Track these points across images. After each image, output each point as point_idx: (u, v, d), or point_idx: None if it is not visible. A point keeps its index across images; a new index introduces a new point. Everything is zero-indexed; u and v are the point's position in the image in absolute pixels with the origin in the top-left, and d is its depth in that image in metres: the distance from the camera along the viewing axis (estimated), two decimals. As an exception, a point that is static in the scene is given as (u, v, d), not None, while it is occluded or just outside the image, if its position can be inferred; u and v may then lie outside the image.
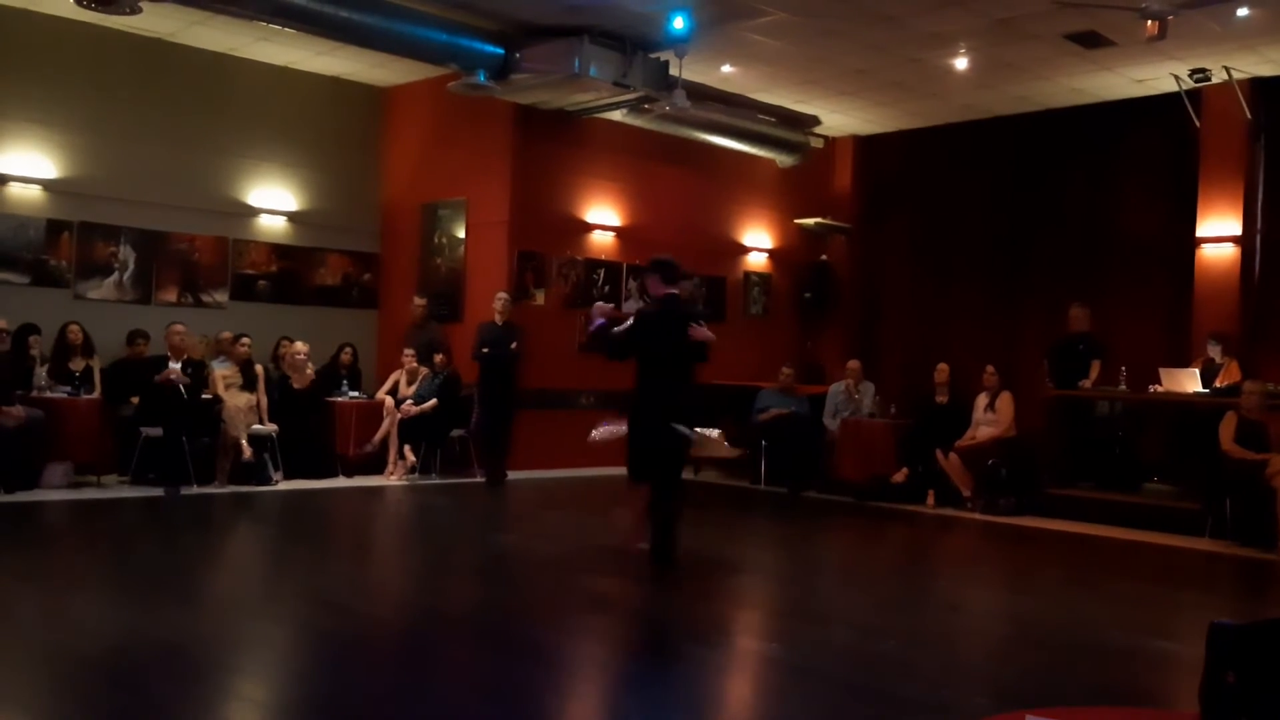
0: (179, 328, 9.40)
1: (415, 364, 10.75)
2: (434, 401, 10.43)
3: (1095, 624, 5.74)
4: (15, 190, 9.88)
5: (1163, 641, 5.48)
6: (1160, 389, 9.39)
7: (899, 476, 10.20)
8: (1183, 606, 6.53)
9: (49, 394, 9.00)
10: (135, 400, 9.28)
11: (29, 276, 9.88)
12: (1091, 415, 10.14)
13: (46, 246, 9.99)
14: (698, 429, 6.65)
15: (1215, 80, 10.27)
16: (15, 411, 8.45)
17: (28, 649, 4.60)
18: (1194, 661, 3.53)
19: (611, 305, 6.57)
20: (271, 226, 11.45)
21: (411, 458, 10.37)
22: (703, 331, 6.56)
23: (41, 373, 9.08)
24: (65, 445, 8.91)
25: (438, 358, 10.64)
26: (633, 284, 12.07)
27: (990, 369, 10.11)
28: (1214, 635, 3.18)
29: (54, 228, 10.03)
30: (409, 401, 10.50)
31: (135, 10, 8.27)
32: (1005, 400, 9.98)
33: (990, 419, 9.96)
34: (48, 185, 10.03)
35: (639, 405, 6.58)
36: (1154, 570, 7.63)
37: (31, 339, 9.18)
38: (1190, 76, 10.31)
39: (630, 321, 6.72)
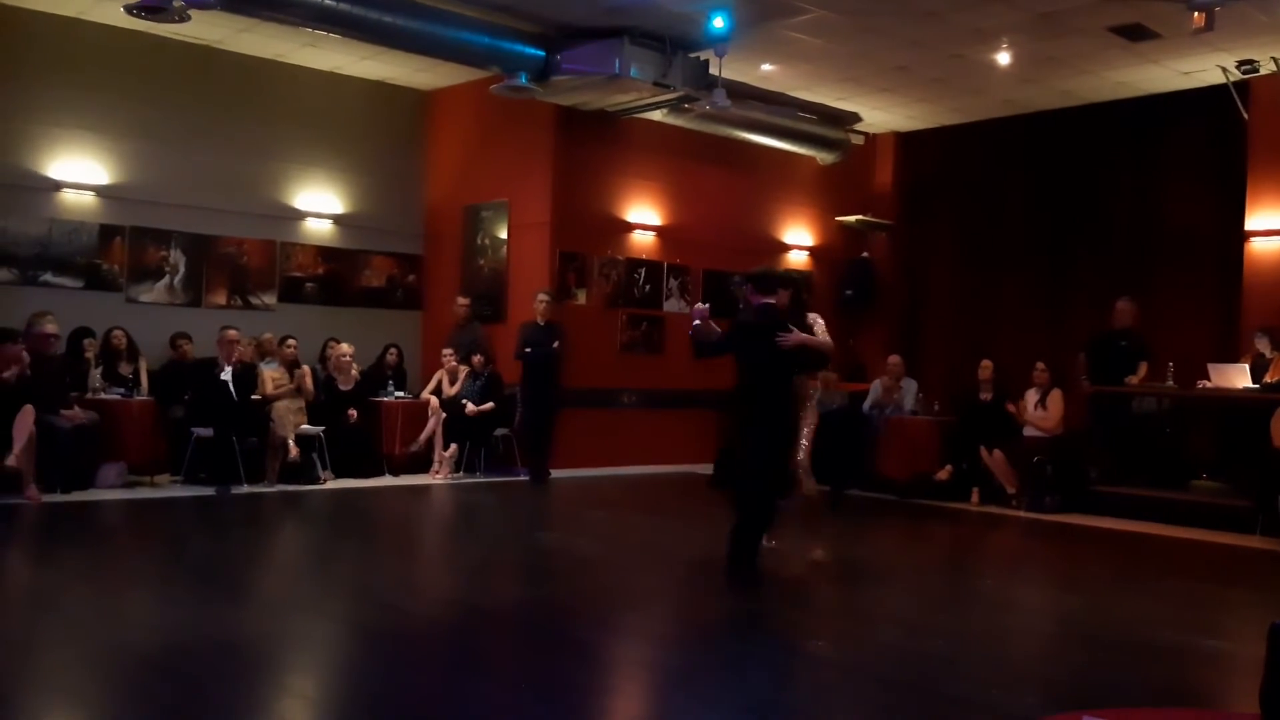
0: (232, 332, 9.52)
1: (455, 363, 10.85)
2: (490, 405, 10.53)
3: (1146, 623, 5.69)
4: (68, 196, 10.08)
5: (1216, 641, 5.42)
6: (1209, 385, 9.27)
7: (943, 474, 10.14)
8: (1235, 605, 6.45)
9: (103, 396, 9.18)
10: (186, 399, 9.46)
11: (82, 280, 10.08)
12: (1138, 411, 10.01)
13: (99, 251, 10.19)
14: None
15: (1263, 71, 10.10)
16: (74, 414, 8.63)
17: (85, 646, 4.69)
18: (1250, 661, 3.50)
19: (708, 305, 6.60)
20: (318, 229, 11.59)
21: (446, 455, 10.45)
22: (793, 337, 6.37)
23: (96, 375, 9.26)
24: (119, 446, 9.08)
25: (475, 359, 10.73)
26: (673, 283, 12.12)
27: (1041, 365, 10.00)
28: (1275, 636, 3.14)
29: (106, 233, 10.23)
30: (469, 406, 10.57)
31: (184, 18, 8.41)
32: (1056, 398, 9.88)
33: (1040, 416, 9.88)
34: (100, 191, 10.23)
35: (739, 412, 6.54)
36: (1204, 568, 7.53)
37: (86, 342, 9.36)
38: (1238, 68, 10.15)
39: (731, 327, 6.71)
